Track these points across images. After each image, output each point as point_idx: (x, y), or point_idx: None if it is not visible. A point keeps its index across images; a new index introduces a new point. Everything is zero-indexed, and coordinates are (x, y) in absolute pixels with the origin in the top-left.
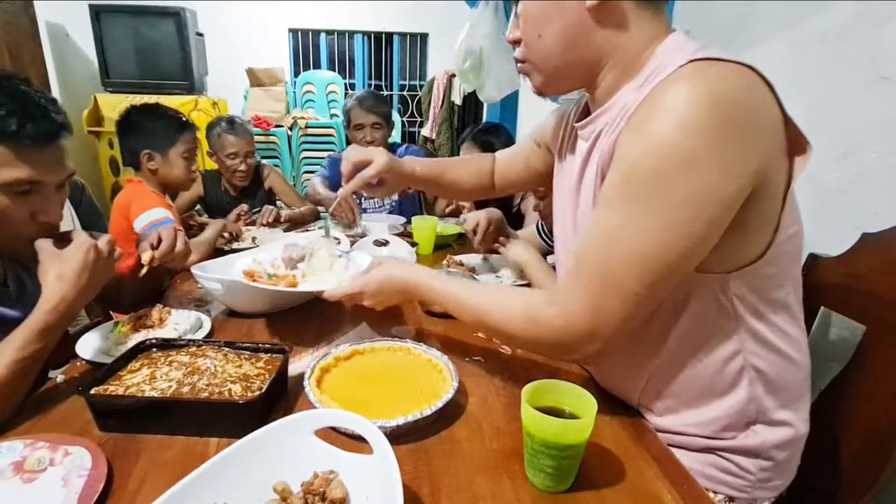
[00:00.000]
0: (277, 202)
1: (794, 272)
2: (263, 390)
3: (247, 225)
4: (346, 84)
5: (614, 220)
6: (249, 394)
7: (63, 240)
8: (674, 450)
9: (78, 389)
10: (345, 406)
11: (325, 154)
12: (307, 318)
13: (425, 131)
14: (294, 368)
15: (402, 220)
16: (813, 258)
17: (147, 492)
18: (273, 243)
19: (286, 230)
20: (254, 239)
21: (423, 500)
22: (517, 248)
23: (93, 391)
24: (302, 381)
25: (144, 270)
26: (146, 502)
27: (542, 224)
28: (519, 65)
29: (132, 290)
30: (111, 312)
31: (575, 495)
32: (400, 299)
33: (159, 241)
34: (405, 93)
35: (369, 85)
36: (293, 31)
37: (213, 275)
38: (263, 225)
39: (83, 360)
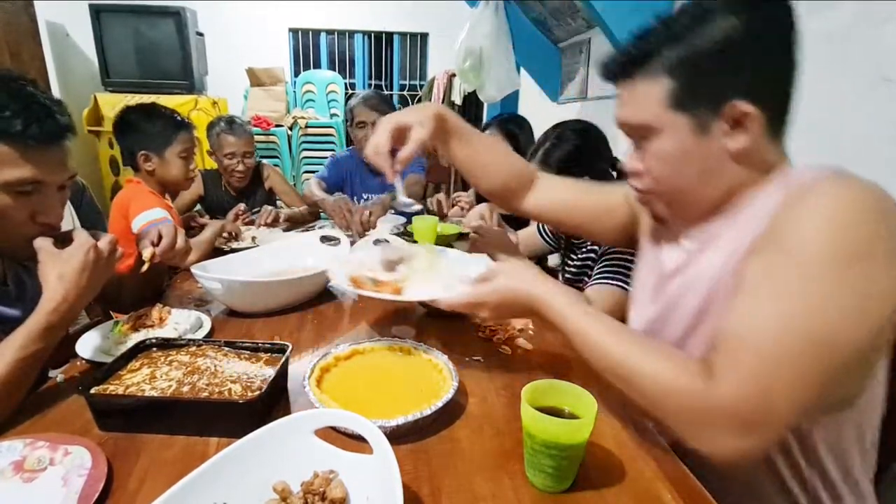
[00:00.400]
0: (277, 202)
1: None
2: (263, 390)
3: (246, 224)
4: (346, 84)
5: (786, 303)
6: (249, 393)
7: (64, 240)
8: None
9: (78, 389)
10: (345, 406)
11: (324, 154)
12: (307, 318)
13: None
14: (294, 368)
15: (402, 219)
16: None
17: (147, 491)
18: (273, 243)
19: (286, 230)
20: (253, 238)
21: (423, 500)
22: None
23: (93, 391)
24: (302, 381)
25: (146, 267)
26: (146, 502)
27: (542, 225)
28: (638, 194)
29: (132, 290)
30: (111, 312)
31: (575, 495)
32: (523, 316)
33: (160, 238)
34: (405, 92)
35: (369, 85)
36: (293, 31)
37: (213, 274)
38: (262, 225)
39: (83, 359)
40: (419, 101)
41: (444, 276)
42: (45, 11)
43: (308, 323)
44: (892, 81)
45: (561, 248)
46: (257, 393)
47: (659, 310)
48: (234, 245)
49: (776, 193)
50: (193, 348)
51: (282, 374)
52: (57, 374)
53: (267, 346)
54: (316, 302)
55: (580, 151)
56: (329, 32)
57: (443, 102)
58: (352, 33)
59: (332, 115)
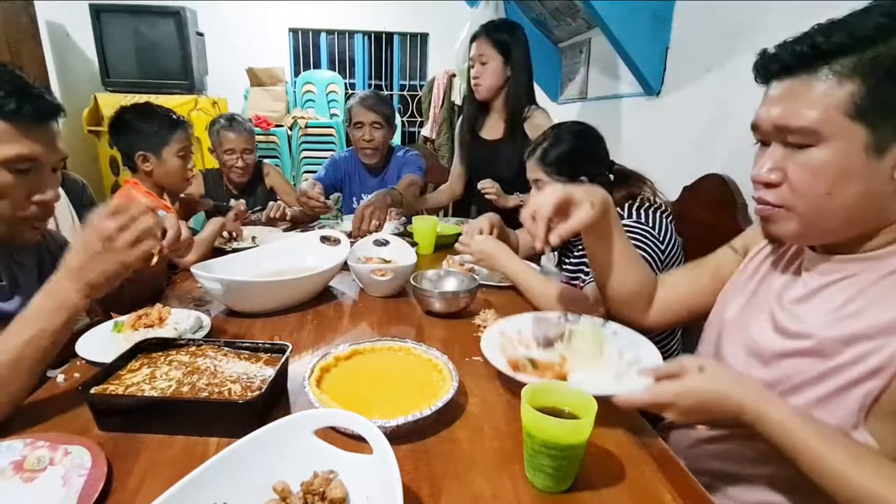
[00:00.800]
0: (278, 201)
1: None
2: (263, 390)
3: (245, 224)
4: (346, 84)
5: None
6: (249, 393)
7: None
8: None
9: (78, 389)
10: (345, 406)
11: (324, 154)
12: (307, 318)
13: (425, 131)
14: (294, 368)
15: (402, 219)
16: None
17: (147, 491)
18: (273, 243)
19: (286, 230)
20: (253, 238)
21: (423, 500)
22: (479, 239)
23: (93, 391)
24: (302, 381)
25: (155, 260)
26: (146, 502)
27: None
28: (763, 207)
29: (132, 290)
30: (111, 312)
31: (575, 495)
32: (723, 425)
33: (163, 231)
34: (405, 93)
35: (369, 85)
36: (293, 31)
37: (213, 274)
38: (271, 217)
39: (83, 359)
40: (419, 101)
41: (614, 361)
42: (45, 11)
43: (308, 323)
44: None
45: (557, 247)
46: (257, 393)
47: (785, 346)
48: (234, 245)
49: None
50: (193, 348)
51: (282, 374)
52: (57, 374)
53: (267, 346)
54: (316, 302)
55: (578, 152)
56: (329, 32)
57: (443, 102)
58: (352, 33)
59: (332, 116)
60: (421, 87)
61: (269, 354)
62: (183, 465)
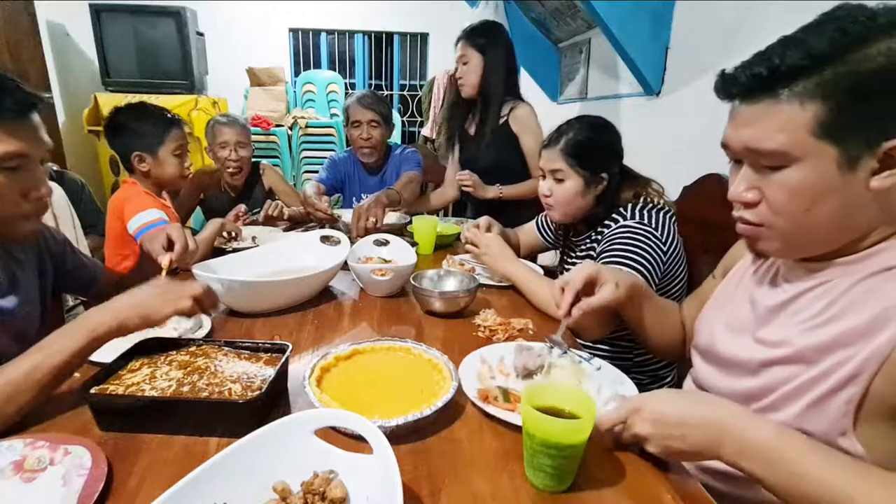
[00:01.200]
0: (277, 201)
1: None
2: (263, 390)
3: (246, 225)
4: (346, 84)
5: None
6: (249, 393)
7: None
8: None
9: (78, 389)
10: (345, 406)
11: (324, 154)
12: (307, 318)
13: (425, 131)
14: (294, 368)
15: (406, 218)
16: None
17: (147, 491)
18: (273, 243)
19: (286, 230)
20: (254, 238)
21: (423, 500)
22: (488, 235)
23: (93, 391)
24: (302, 381)
25: (164, 273)
26: (146, 502)
27: (542, 221)
28: (744, 226)
29: None
30: None
31: (575, 495)
32: (698, 447)
33: (170, 242)
34: (405, 93)
35: (370, 85)
36: (293, 31)
37: (213, 274)
38: (268, 216)
39: None
40: (419, 101)
41: (593, 396)
42: (45, 11)
43: (308, 323)
44: None
45: (560, 245)
46: (257, 393)
47: (766, 355)
48: (235, 245)
49: None
50: (193, 348)
51: (282, 374)
52: None
53: (267, 345)
54: (316, 302)
55: (601, 146)
56: (329, 32)
57: (443, 102)
58: (352, 33)
59: (332, 115)
60: (421, 87)
61: (269, 354)
62: (183, 465)
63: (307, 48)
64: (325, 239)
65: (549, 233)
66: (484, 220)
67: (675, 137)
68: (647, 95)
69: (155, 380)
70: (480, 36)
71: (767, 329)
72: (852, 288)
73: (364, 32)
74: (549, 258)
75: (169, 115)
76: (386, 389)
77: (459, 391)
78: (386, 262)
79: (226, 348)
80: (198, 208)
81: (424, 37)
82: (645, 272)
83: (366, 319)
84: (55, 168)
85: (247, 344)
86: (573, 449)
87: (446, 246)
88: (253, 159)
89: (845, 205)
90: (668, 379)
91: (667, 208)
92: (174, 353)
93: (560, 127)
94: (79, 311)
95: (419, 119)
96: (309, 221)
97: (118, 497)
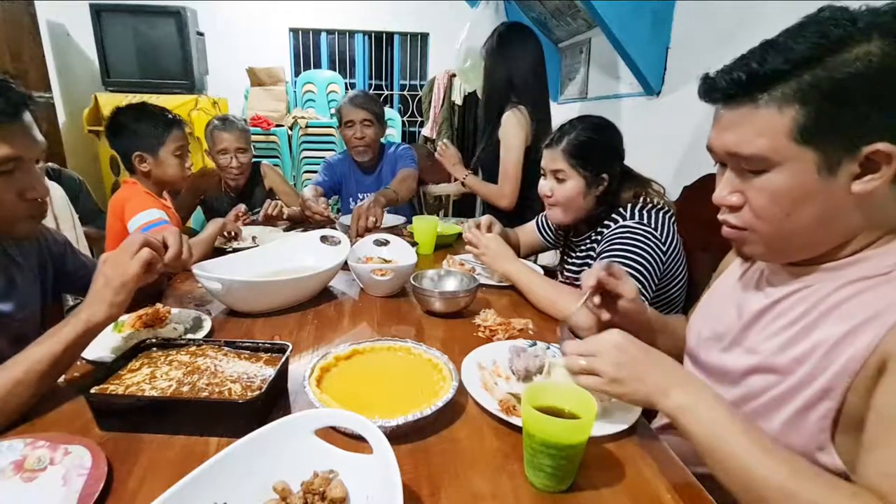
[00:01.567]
0: (277, 201)
1: None
2: (263, 390)
3: (246, 225)
4: (346, 84)
5: None
6: (249, 393)
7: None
8: None
9: (78, 389)
10: (345, 406)
11: (325, 154)
12: (307, 318)
13: (425, 131)
14: (294, 368)
15: (403, 219)
16: None
17: (147, 491)
18: (273, 243)
19: (286, 229)
20: (254, 238)
21: (423, 499)
22: (488, 235)
23: (93, 391)
24: (302, 381)
25: (153, 278)
26: (146, 502)
27: (542, 221)
28: (729, 230)
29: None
30: None
31: (575, 495)
32: (649, 387)
33: (165, 245)
34: (405, 93)
35: (370, 85)
36: (294, 31)
37: (213, 274)
38: (268, 215)
39: (83, 359)
40: (419, 101)
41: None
42: (45, 11)
43: (308, 323)
44: None
45: (560, 245)
46: (257, 393)
47: (749, 361)
48: (235, 245)
49: (893, 258)
50: (193, 348)
51: (282, 374)
52: None
53: (267, 345)
54: (316, 302)
55: (603, 146)
56: (329, 32)
57: (443, 102)
58: (352, 33)
59: (332, 115)
60: (421, 86)
61: (269, 354)
62: (183, 465)
63: (307, 48)
64: (325, 239)
65: (550, 232)
66: (485, 219)
67: (675, 137)
68: (647, 95)
69: (155, 380)
70: (491, 39)
71: (750, 334)
72: (830, 295)
73: (364, 32)
74: (549, 258)
75: (169, 116)
76: (386, 389)
77: (460, 391)
78: (386, 262)
79: (226, 348)
80: (198, 208)
81: (425, 37)
82: (644, 272)
83: (366, 319)
84: (53, 167)
85: (247, 344)
86: (573, 449)
87: (446, 246)
88: (253, 159)
89: (827, 209)
90: None
91: (666, 208)
92: (174, 352)
93: (562, 126)
94: None
95: (419, 119)
96: (308, 221)
97: (118, 497)
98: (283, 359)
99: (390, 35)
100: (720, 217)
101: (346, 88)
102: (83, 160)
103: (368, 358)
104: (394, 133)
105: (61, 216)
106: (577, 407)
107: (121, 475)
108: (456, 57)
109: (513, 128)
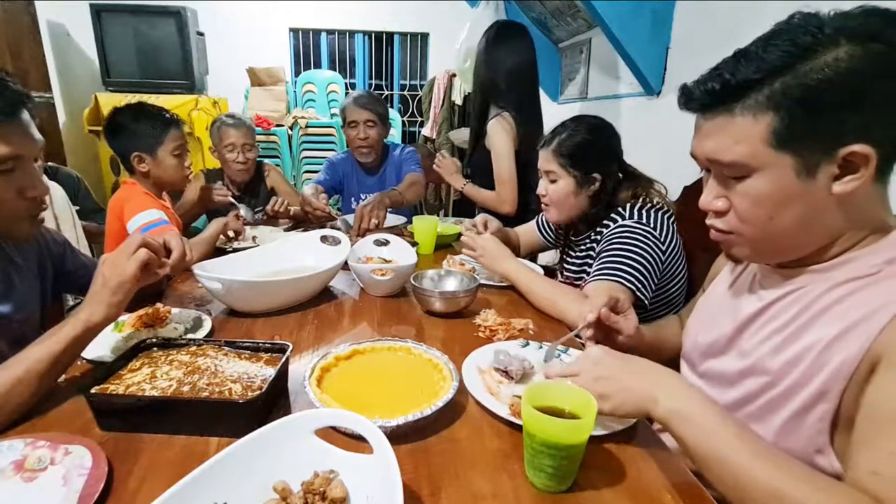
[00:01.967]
0: (282, 198)
1: None
2: (264, 390)
3: (247, 224)
4: (346, 84)
5: None
6: (250, 393)
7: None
8: None
9: (78, 389)
10: (345, 406)
11: (325, 154)
12: (307, 318)
13: (425, 131)
14: (294, 368)
15: (403, 219)
16: None
17: (147, 491)
18: (273, 243)
19: (287, 229)
20: (254, 238)
21: (423, 499)
22: (485, 236)
23: (93, 390)
24: (302, 381)
25: (154, 280)
26: (146, 501)
27: (542, 220)
28: (716, 234)
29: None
30: None
31: (575, 495)
32: (638, 397)
33: (166, 247)
34: (406, 92)
35: (370, 84)
36: (294, 31)
37: (213, 274)
38: (275, 210)
39: (83, 359)
40: (419, 101)
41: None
42: (45, 11)
43: (308, 323)
44: None
45: (560, 244)
46: (257, 393)
47: (744, 364)
48: (235, 245)
49: (880, 257)
50: (194, 348)
51: (282, 374)
52: None
53: (267, 345)
54: (316, 302)
55: (595, 146)
56: (329, 32)
57: (443, 102)
58: (352, 33)
59: (332, 115)
60: (421, 86)
61: (269, 354)
62: (183, 465)
63: (307, 48)
64: (325, 239)
65: (550, 232)
66: (480, 218)
67: (675, 137)
68: (648, 95)
69: (155, 379)
70: (483, 37)
71: (744, 338)
72: (821, 297)
73: (364, 32)
74: (549, 258)
75: (167, 115)
76: (386, 389)
77: (460, 391)
78: (386, 262)
79: (226, 348)
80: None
81: (425, 37)
82: (644, 271)
83: (366, 319)
84: (50, 165)
85: (247, 344)
86: (574, 449)
87: (446, 246)
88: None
89: (809, 210)
90: None
91: (665, 208)
92: (175, 352)
93: (555, 128)
94: None
95: (419, 119)
96: (310, 220)
97: (118, 497)
98: (284, 359)
99: (390, 35)
100: (707, 222)
101: (347, 88)
102: (83, 160)
103: (369, 358)
104: (394, 133)
105: (61, 216)
106: (578, 407)
107: (121, 475)
108: (456, 57)
109: (498, 135)
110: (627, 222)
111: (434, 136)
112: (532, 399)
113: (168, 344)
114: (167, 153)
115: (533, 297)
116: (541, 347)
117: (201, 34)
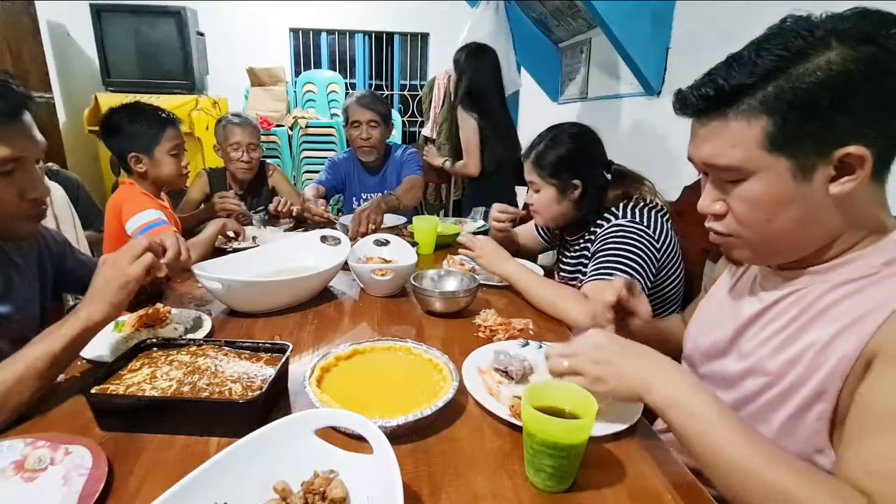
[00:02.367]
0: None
1: None
2: (264, 390)
3: (247, 224)
4: (346, 84)
5: None
6: (250, 393)
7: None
8: None
9: (78, 389)
10: (345, 406)
11: (325, 154)
12: (307, 318)
13: (425, 131)
14: (294, 368)
15: (403, 219)
16: None
17: (147, 491)
18: (273, 243)
19: (287, 229)
20: (254, 238)
21: (423, 499)
22: (483, 238)
23: (93, 390)
24: (302, 381)
25: (150, 279)
26: (146, 501)
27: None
28: (715, 236)
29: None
30: None
31: (575, 495)
32: (631, 382)
33: (163, 249)
34: (406, 93)
35: (370, 85)
36: (294, 31)
37: (213, 274)
38: (278, 210)
39: (83, 359)
40: (419, 101)
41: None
42: (45, 11)
43: (308, 323)
44: None
45: (556, 245)
46: (257, 393)
47: (744, 365)
48: (235, 245)
49: (879, 258)
50: (194, 348)
51: (282, 374)
52: None
53: (267, 345)
54: (316, 302)
55: (572, 155)
56: (329, 32)
57: (443, 103)
58: (352, 33)
59: (332, 115)
60: (421, 86)
61: (269, 354)
62: (183, 465)
63: (307, 48)
64: (325, 239)
65: (546, 233)
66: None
67: (675, 137)
68: (648, 95)
69: (155, 380)
70: (457, 54)
71: (744, 339)
72: (820, 298)
73: (364, 32)
74: (548, 258)
75: (163, 115)
76: (386, 389)
77: (460, 391)
78: (386, 262)
79: (226, 348)
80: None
81: (425, 37)
82: (639, 269)
83: (366, 319)
84: (52, 167)
85: (247, 344)
86: (574, 449)
87: (446, 246)
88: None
89: (807, 212)
90: None
91: (659, 206)
92: (175, 352)
93: (534, 140)
94: None
95: (419, 119)
96: (309, 221)
97: (118, 497)
98: (284, 359)
99: (390, 35)
100: (707, 225)
101: (347, 88)
102: (83, 160)
103: (369, 358)
104: (394, 133)
105: (61, 216)
106: (578, 407)
107: (121, 475)
108: None
109: (464, 121)
110: (621, 222)
111: (434, 136)
112: (532, 399)
113: (168, 344)
114: (164, 153)
115: (532, 297)
116: (540, 347)
117: (201, 34)
